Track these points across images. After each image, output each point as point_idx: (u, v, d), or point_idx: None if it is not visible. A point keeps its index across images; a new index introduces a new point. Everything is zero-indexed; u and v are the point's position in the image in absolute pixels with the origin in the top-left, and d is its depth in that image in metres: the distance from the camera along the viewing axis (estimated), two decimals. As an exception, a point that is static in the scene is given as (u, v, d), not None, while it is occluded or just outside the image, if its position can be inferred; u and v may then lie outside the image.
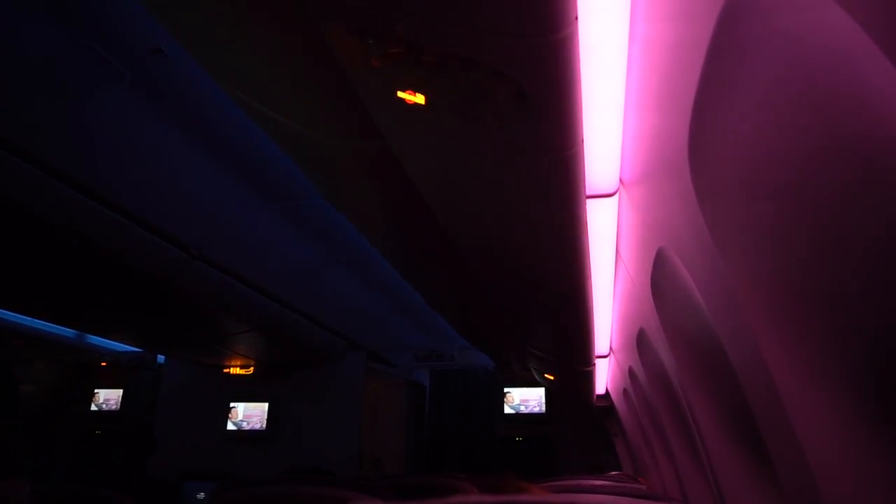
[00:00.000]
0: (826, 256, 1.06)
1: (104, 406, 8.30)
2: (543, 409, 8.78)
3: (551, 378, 6.01)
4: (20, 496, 1.68)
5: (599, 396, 6.32)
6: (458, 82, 1.32)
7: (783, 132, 0.98)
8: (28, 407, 7.38)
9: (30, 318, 6.14)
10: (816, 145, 0.93)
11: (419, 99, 1.47)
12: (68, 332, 6.88)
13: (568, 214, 1.89)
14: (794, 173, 1.02)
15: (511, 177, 1.80)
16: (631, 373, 3.93)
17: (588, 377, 5.02)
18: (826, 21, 0.69)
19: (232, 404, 7.40)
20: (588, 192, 1.94)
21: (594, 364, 4.59)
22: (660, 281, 2.06)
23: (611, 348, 4.44)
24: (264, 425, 7.27)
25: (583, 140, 1.48)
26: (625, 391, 4.79)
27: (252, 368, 7.39)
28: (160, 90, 2.94)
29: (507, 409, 8.86)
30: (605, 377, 5.58)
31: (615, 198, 2.09)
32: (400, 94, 1.47)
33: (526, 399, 8.83)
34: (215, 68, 1.98)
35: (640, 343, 3.05)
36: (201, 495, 4.42)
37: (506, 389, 8.92)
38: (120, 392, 8.31)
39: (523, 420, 8.83)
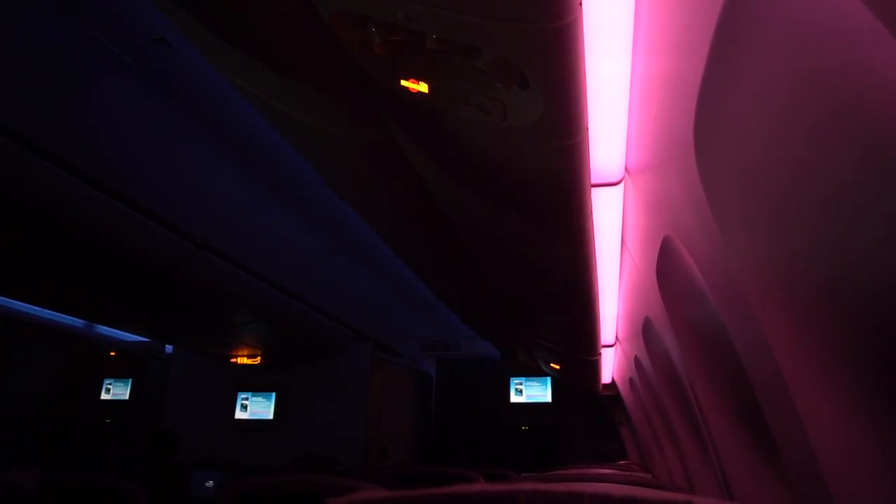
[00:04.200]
0: (833, 244, 1.05)
1: (113, 395, 8.38)
2: (550, 398, 8.80)
3: (557, 367, 6.02)
4: (29, 484, 1.70)
5: (605, 386, 6.33)
6: (462, 70, 1.31)
7: (790, 118, 0.97)
8: (38, 396, 7.45)
9: (39, 308, 6.20)
10: (824, 131, 0.92)
11: (422, 87, 1.46)
12: (77, 321, 6.94)
13: (573, 203, 1.88)
14: (801, 160, 1.00)
15: (515, 165, 1.79)
16: (637, 362, 3.92)
17: (594, 366, 5.02)
18: (832, 2, 0.68)
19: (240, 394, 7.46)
20: (593, 181, 1.93)
21: (600, 353, 4.58)
22: (666, 269, 2.05)
23: (617, 337, 4.43)
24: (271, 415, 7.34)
25: (587, 128, 1.47)
26: (631, 380, 4.79)
27: (259, 358, 7.43)
28: (165, 80, 2.94)
29: (514, 398, 8.89)
30: (611, 366, 5.58)
31: (620, 186, 2.07)
32: (403, 82, 1.47)
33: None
34: (217, 57, 1.98)
35: (645, 332, 3.05)
36: (210, 483, 4.47)
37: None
38: (129, 381, 8.39)
39: (530, 409, 8.85)
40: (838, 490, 1.18)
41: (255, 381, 7.52)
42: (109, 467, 2.13)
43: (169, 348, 8.09)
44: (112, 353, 8.05)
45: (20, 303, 6.04)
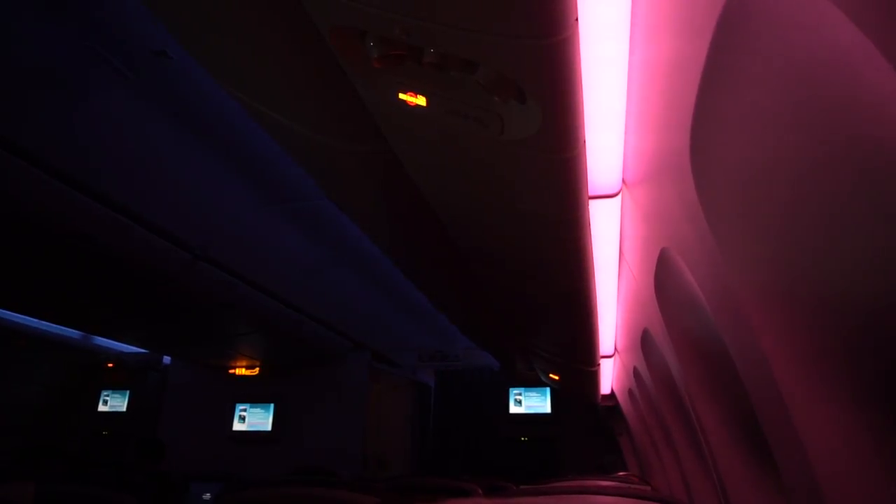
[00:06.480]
0: (828, 257, 1.06)
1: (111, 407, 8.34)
2: (549, 409, 8.77)
3: (556, 378, 6.00)
4: (24, 497, 1.69)
5: (605, 396, 6.31)
6: (460, 84, 1.32)
7: (784, 133, 0.98)
8: (33, 407, 7.41)
9: (36, 320, 6.18)
10: (818, 146, 0.93)
11: (421, 101, 1.47)
12: (74, 333, 6.92)
13: (571, 215, 1.89)
14: (796, 174, 1.01)
15: (513, 178, 1.80)
16: (636, 373, 3.92)
17: (593, 377, 5.01)
18: (824, 21, 0.69)
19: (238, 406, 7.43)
20: (591, 193, 1.94)
21: (599, 364, 4.58)
22: (663, 281, 2.06)
23: (616, 348, 4.43)
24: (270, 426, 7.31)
25: (585, 141, 1.48)
26: (630, 391, 4.78)
27: (257, 369, 7.41)
28: (164, 92, 2.95)
29: (513, 409, 8.86)
30: (610, 377, 5.57)
31: (618, 198, 2.08)
32: (402, 95, 1.48)
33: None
34: (217, 70, 1.99)
35: (644, 343, 3.05)
36: (207, 496, 4.43)
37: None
38: (127, 393, 8.34)
39: (529, 420, 8.82)
40: (833, 497, 1.18)
41: (253, 392, 7.49)
42: (102, 480, 2.12)
43: (167, 359, 8.06)
44: (110, 365, 8.02)
45: (15, 314, 6.02)
